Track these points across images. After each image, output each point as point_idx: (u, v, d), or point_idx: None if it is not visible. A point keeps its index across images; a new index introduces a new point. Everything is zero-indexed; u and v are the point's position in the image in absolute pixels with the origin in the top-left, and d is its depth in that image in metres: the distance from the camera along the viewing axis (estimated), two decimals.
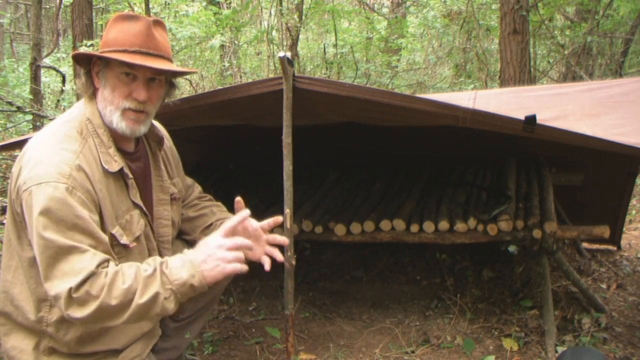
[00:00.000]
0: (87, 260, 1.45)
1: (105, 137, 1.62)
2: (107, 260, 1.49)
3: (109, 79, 1.61)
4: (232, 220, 1.65)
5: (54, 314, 1.58)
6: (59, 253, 1.44)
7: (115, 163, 1.62)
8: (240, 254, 1.55)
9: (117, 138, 1.66)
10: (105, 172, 1.59)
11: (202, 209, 2.02)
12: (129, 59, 1.55)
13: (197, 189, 2.10)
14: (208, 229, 1.95)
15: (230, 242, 1.55)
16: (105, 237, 1.54)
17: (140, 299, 1.46)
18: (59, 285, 1.43)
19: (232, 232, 1.63)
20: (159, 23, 1.66)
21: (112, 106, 1.61)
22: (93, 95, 1.66)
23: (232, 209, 2.04)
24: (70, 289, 1.42)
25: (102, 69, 1.62)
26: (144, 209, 1.71)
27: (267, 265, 1.74)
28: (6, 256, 1.64)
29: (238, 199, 1.78)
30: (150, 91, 1.63)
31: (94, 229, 1.50)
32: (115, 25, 1.63)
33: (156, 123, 1.85)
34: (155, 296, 1.47)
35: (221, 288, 2.17)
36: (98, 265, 1.46)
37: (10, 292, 1.61)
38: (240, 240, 1.59)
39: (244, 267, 1.55)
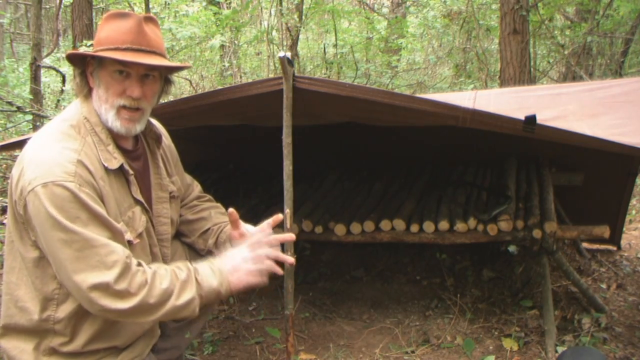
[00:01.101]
0: (116, 252, 1.50)
1: (104, 135, 1.63)
2: (130, 255, 1.54)
3: (102, 78, 1.61)
4: (257, 234, 1.81)
5: (61, 311, 1.58)
6: (85, 246, 1.46)
7: (115, 160, 1.62)
8: (262, 266, 1.72)
9: (115, 136, 1.66)
10: (106, 169, 1.59)
11: (201, 211, 2.01)
12: (121, 57, 1.55)
13: (197, 188, 2.10)
14: (205, 234, 1.95)
15: (254, 255, 1.72)
16: (121, 229, 1.57)
17: (176, 301, 1.56)
18: (93, 277, 1.46)
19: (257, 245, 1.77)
20: (150, 19, 1.66)
21: (106, 105, 1.61)
22: (88, 94, 1.66)
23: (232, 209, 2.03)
24: (108, 282, 1.46)
25: (95, 68, 1.62)
26: (145, 205, 1.71)
27: (281, 271, 1.86)
28: (9, 258, 1.64)
29: (231, 210, 1.85)
30: (144, 87, 1.63)
31: (110, 221, 1.53)
32: (106, 23, 1.63)
33: (154, 121, 1.85)
34: (191, 300, 1.59)
35: None
36: (127, 257, 1.52)
37: (15, 294, 1.61)
38: (263, 251, 1.74)
39: (264, 280, 1.72)
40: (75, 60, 1.65)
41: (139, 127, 1.67)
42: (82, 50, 1.88)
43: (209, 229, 1.95)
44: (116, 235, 1.54)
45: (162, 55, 1.65)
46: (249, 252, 1.74)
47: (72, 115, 1.65)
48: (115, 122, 1.62)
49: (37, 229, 1.49)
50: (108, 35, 1.60)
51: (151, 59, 1.59)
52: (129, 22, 1.60)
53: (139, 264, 1.56)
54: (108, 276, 1.47)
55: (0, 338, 1.64)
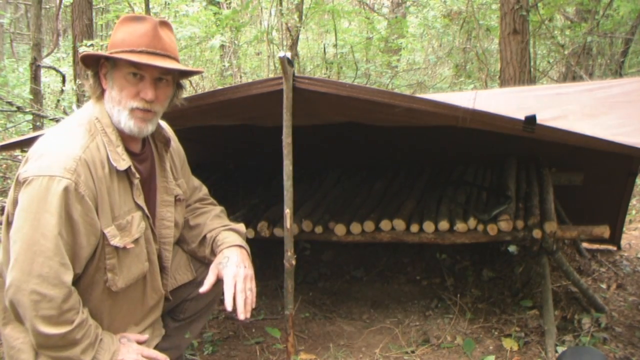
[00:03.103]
0: (68, 273, 1.50)
1: (114, 136, 1.64)
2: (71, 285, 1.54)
3: (116, 80, 1.62)
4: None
5: None
6: (42, 251, 1.46)
7: (123, 162, 1.63)
8: None
9: (124, 139, 1.67)
10: (111, 170, 1.60)
11: (198, 216, 1.99)
12: (136, 59, 1.56)
13: (202, 191, 2.09)
14: (203, 242, 1.94)
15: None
16: (80, 252, 1.55)
17: (82, 354, 1.55)
18: (37, 285, 1.45)
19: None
20: (165, 24, 1.68)
21: (120, 106, 1.62)
22: (101, 96, 1.68)
23: (232, 208, 2.03)
24: (54, 297, 1.46)
25: (109, 70, 1.64)
26: (146, 211, 1.71)
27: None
28: (4, 253, 1.65)
29: None
30: (157, 90, 1.65)
31: (86, 230, 1.53)
32: (121, 26, 1.64)
33: (163, 124, 1.86)
34: None
35: (222, 289, 2.18)
36: (69, 285, 1.51)
37: None
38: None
39: None
40: (89, 61, 1.66)
41: (150, 128, 1.68)
42: (95, 51, 1.89)
43: (204, 236, 1.93)
44: (83, 247, 1.54)
45: (176, 59, 1.67)
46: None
47: (84, 115, 1.67)
48: (128, 122, 1.63)
49: (16, 214, 1.51)
50: (123, 38, 1.61)
51: (165, 63, 1.61)
52: (144, 26, 1.61)
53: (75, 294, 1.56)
54: (55, 291, 1.47)
55: (2, 326, 1.65)
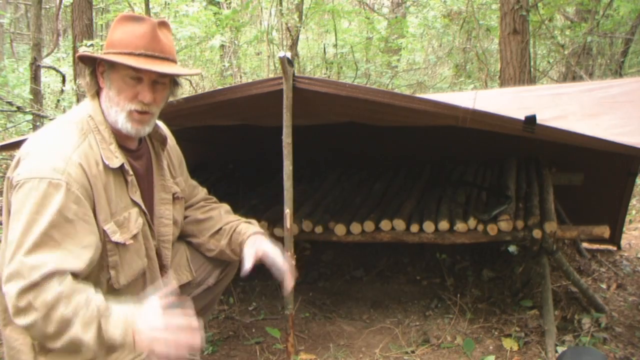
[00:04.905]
0: (45, 260, 1.41)
1: (107, 133, 1.63)
2: (65, 273, 1.44)
3: (114, 81, 1.62)
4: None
5: None
6: (23, 241, 1.42)
7: (116, 159, 1.62)
8: (174, 338, 1.43)
9: (119, 136, 1.67)
10: (106, 168, 1.59)
11: (210, 211, 2.02)
12: (135, 63, 1.56)
13: (203, 191, 2.11)
14: (217, 234, 1.96)
15: (167, 322, 1.45)
16: (92, 241, 1.52)
17: (71, 336, 1.41)
18: (10, 278, 1.41)
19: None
20: (164, 24, 1.67)
21: (117, 107, 1.62)
22: (97, 93, 1.67)
23: (232, 208, 2.05)
24: (16, 288, 1.39)
25: (107, 69, 1.63)
26: (143, 207, 1.71)
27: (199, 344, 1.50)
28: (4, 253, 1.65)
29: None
30: (155, 93, 1.64)
31: (82, 231, 1.49)
32: (120, 26, 1.64)
33: (160, 122, 1.86)
34: (84, 345, 1.42)
35: (222, 289, 2.18)
36: (57, 272, 1.41)
37: None
38: (184, 321, 1.46)
39: (179, 352, 1.44)
40: (86, 59, 1.66)
41: (148, 129, 1.69)
42: (93, 52, 1.88)
43: (220, 228, 1.96)
44: (69, 252, 1.46)
45: (173, 61, 1.67)
46: (168, 319, 1.46)
47: (77, 113, 1.66)
48: (126, 124, 1.63)
49: (11, 218, 1.50)
50: (122, 38, 1.61)
51: (164, 66, 1.61)
52: (143, 27, 1.61)
53: (60, 278, 1.42)
54: (19, 280, 1.39)
55: (2, 327, 1.65)
